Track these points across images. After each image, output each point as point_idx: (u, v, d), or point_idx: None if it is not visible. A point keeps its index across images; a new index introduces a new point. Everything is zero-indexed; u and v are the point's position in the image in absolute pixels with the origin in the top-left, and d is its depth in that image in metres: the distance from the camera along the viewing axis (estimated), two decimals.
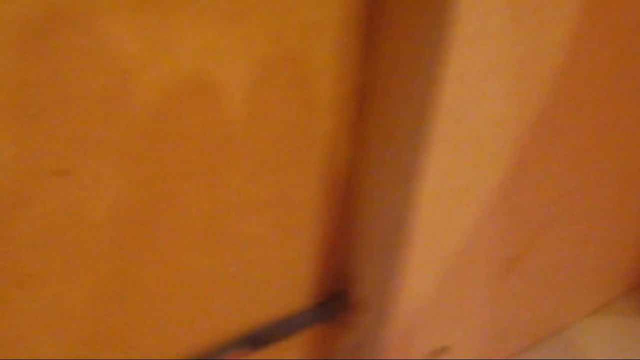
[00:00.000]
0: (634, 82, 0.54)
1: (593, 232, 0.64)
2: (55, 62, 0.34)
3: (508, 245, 0.55)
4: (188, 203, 0.44)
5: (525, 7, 0.41)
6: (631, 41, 0.50)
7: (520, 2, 0.40)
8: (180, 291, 0.48)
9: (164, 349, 0.49)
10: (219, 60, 0.40)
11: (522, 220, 0.55)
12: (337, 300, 0.56)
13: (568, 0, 0.43)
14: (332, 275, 0.55)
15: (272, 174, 0.46)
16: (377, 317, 0.53)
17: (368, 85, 0.47)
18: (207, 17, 0.38)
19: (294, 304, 0.55)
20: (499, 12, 0.40)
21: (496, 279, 0.57)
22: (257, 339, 0.53)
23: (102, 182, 0.40)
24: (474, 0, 0.38)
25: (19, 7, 0.32)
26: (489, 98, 0.44)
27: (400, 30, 0.42)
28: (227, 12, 0.38)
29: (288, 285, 0.53)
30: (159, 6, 0.36)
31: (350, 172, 0.50)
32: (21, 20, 0.32)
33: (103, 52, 0.35)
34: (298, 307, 0.55)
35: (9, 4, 0.32)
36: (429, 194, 0.46)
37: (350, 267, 0.54)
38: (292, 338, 0.57)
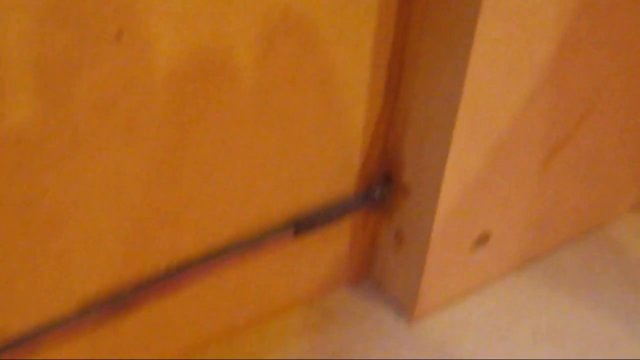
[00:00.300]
0: None
1: (637, 123, 0.63)
2: None
3: (552, 129, 0.55)
4: (241, 74, 0.44)
5: None
6: None
7: None
8: (230, 169, 0.48)
9: (212, 229, 0.50)
10: None
11: (567, 104, 0.54)
12: (383, 184, 0.56)
13: None
14: (379, 159, 0.56)
15: (323, 50, 0.46)
16: (422, 200, 0.54)
17: None
18: None
19: (340, 189, 0.55)
20: None
21: (539, 165, 0.57)
22: (302, 223, 0.54)
23: (157, 47, 0.40)
24: None
25: None
26: None
27: None
28: None
29: (335, 168, 0.54)
30: None
31: (401, 49, 0.50)
32: None
33: None
34: (344, 191, 0.56)
35: None
36: (479, 67, 0.46)
37: (398, 150, 0.54)
38: (337, 223, 0.57)
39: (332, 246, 0.59)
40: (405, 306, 0.61)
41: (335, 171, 0.54)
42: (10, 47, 0.35)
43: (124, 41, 0.38)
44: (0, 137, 0.37)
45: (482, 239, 0.59)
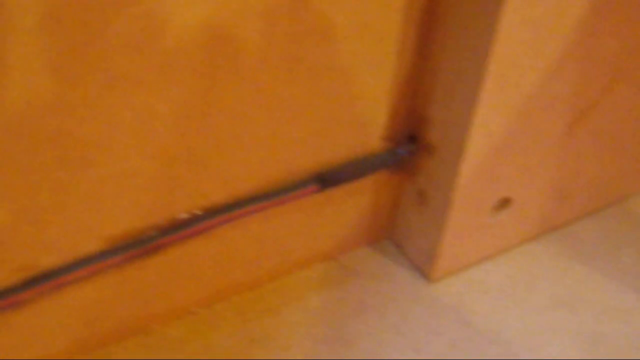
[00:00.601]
0: None
1: None
2: None
3: (579, 94, 0.55)
4: (273, 22, 0.44)
5: None
6: None
7: None
8: (257, 119, 0.49)
9: (238, 177, 0.51)
10: None
11: (595, 69, 0.55)
12: (408, 143, 0.57)
13: None
14: (406, 117, 0.56)
15: (354, 3, 0.47)
16: (446, 159, 0.54)
17: None
18: None
19: (366, 146, 0.56)
20: None
21: (563, 131, 0.58)
22: (326, 178, 0.55)
23: None
24: None
25: None
26: None
27: None
28: None
29: (361, 125, 0.54)
30: None
31: (432, 5, 0.50)
32: None
33: None
34: (369, 148, 0.56)
35: None
36: (509, 26, 0.46)
37: (425, 109, 0.55)
38: (361, 181, 0.58)
39: (355, 204, 0.60)
40: (424, 267, 0.61)
41: (362, 128, 0.54)
42: None
43: None
44: None
45: (503, 204, 0.60)
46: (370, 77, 0.51)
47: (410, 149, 0.56)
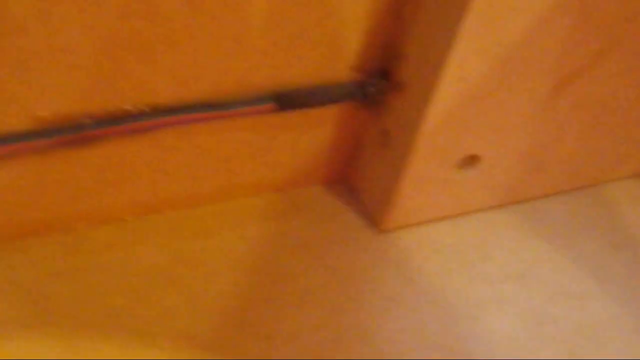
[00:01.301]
0: None
1: None
2: None
3: (568, 54, 0.51)
4: None
5: None
6: None
7: None
8: (219, 12, 0.45)
9: (188, 78, 0.47)
10: None
11: (587, 31, 0.50)
12: (379, 78, 0.53)
13: None
14: (380, 49, 0.52)
15: None
16: (415, 100, 0.50)
17: None
18: None
19: (332, 72, 0.52)
20: None
21: (547, 94, 0.53)
22: (285, 97, 0.51)
23: None
24: None
25: None
26: None
27: None
28: None
29: (331, 46, 0.50)
30: None
31: None
32: None
33: None
34: (336, 75, 0.52)
35: None
36: None
37: (400, 44, 0.51)
38: (323, 109, 0.54)
39: (314, 136, 0.56)
40: (377, 215, 0.58)
41: (331, 51, 0.50)
42: None
43: None
44: None
45: (471, 161, 0.56)
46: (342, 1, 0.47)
47: (380, 85, 0.52)
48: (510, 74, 0.50)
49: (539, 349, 0.53)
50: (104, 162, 0.49)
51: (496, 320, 0.54)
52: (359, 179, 0.60)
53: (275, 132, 0.54)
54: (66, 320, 0.48)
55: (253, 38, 0.47)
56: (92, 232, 0.53)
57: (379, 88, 0.53)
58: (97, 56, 0.43)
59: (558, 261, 0.60)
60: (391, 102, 0.53)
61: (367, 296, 0.53)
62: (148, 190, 0.53)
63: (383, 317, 0.52)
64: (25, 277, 0.50)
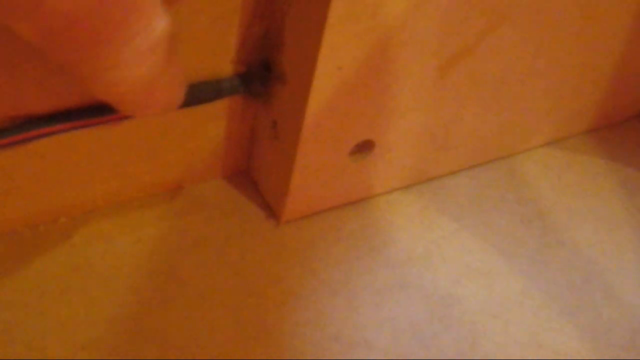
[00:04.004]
0: None
1: (558, 52, 0.58)
2: None
3: (452, 33, 0.50)
4: None
5: None
6: None
7: None
8: None
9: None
10: None
11: (470, 8, 0.49)
12: (262, 70, 0.52)
13: None
14: (259, 41, 0.51)
15: None
16: (296, 92, 0.49)
17: None
18: None
19: (213, 68, 0.51)
20: None
21: (436, 74, 0.52)
22: None
23: None
24: None
25: None
26: None
27: None
28: None
29: (207, 42, 0.49)
30: None
31: None
32: None
33: None
34: (216, 71, 0.51)
35: None
36: None
37: (278, 34, 0.49)
38: (210, 105, 0.53)
39: (207, 131, 0.55)
40: (275, 207, 0.57)
41: (208, 47, 0.49)
42: None
43: None
44: None
45: (365, 147, 0.55)
46: None
47: (263, 77, 0.51)
48: (391, 59, 0.49)
49: (442, 331, 0.52)
50: None
51: (398, 305, 0.53)
52: (257, 171, 0.59)
53: (164, 131, 0.53)
54: None
55: None
56: None
57: (262, 80, 0.52)
58: None
59: (465, 239, 0.59)
60: (277, 94, 0.52)
61: (268, 291, 0.53)
62: (36, 200, 0.52)
63: (283, 311, 0.52)
64: None
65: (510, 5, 0.51)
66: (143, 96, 0.33)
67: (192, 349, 0.49)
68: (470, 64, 0.54)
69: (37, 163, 0.50)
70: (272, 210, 0.58)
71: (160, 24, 0.30)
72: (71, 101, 0.47)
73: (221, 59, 0.50)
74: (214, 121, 0.55)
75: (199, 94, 0.51)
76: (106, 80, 0.31)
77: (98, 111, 0.48)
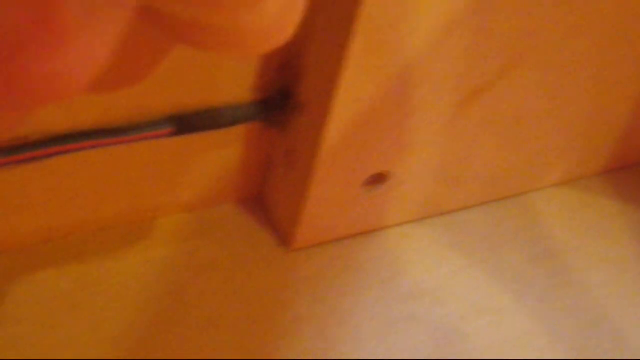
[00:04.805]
0: None
1: (573, 91, 0.58)
2: None
3: (471, 72, 0.50)
4: None
5: None
6: None
7: None
8: None
9: (81, 100, 0.46)
10: None
11: (489, 47, 0.50)
12: (281, 98, 0.52)
13: None
14: (279, 69, 0.51)
15: None
16: (313, 122, 0.50)
17: None
18: None
19: (232, 95, 0.51)
20: None
21: (452, 111, 0.53)
22: (183, 121, 0.50)
23: None
24: None
25: None
26: None
27: None
28: None
29: (228, 71, 0.49)
30: None
31: None
32: None
33: None
34: (236, 98, 0.51)
35: None
36: None
37: (298, 64, 0.50)
38: (227, 132, 0.53)
39: (222, 156, 0.55)
40: (287, 234, 0.57)
41: (228, 74, 0.49)
42: None
43: None
44: None
45: (379, 179, 0.55)
46: None
47: (282, 105, 0.52)
48: (409, 94, 0.49)
49: None
50: (3, 190, 0.49)
51: (405, 338, 0.53)
52: (269, 198, 0.59)
53: (179, 153, 0.53)
54: None
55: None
56: None
57: (280, 108, 0.52)
58: None
59: (475, 275, 0.59)
60: (294, 122, 0.52)
61: (276, 317, 0.53)
62: (47, 216, 0.52)
63: (290, 338, 0.52)
64: None
65: (529, 46, 0.51)
66: (275, 27, 0.30)
67: None
68: (487, 101, 0.54)
69: (51, 180, 0.50)
70: (283, 237, 0.58)
71: None
72: (86, 121, 0.47)
73: (241, 87, 0.51)
74: (230, 146, 0.55)
75: (217, 119, 0.51)
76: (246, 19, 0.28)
77: (112, 132, 0.49)
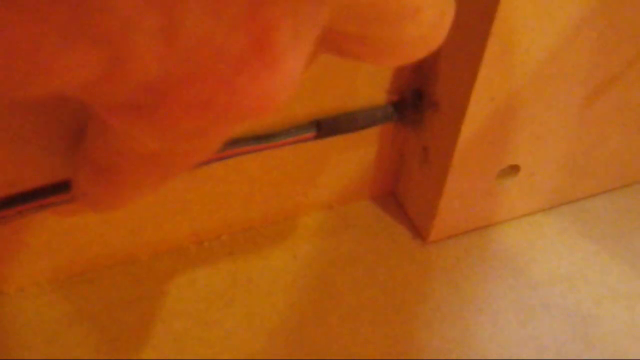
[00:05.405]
0: None
1: None
2: None
3: (599, 65, 0.52)
4: None
5: None
6: None
7: None
8: None
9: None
10: None
11: (619, 40, 0.51)
12: (414, 98, 0.55)
13: None
14: (412, 71, 0.54)
15: None
16: (449, 119, 0.52)
17: None
18: None
19: (369, 98, 0.54)
20: None
21: (582, 103, 0.55)
22: (325, 125, 0.53)
23: None
24: None
25: None
26: None
27: None
28: None
29: (365, 76, 0.52)
30: None
31: None
32: None
33: None
34: (373, 101, 0.54)
35: None
36: None
37: (432, 65, 0.53)
38: (364, 133, 0.57)
39: (359, 156, 0.59)
40: (422, 227, 0.60)
41: (366, 79, 0.52)
42: None
43: None
44: None
45: (511, 171, 0.57)
46: None
47: (416, 105, 0.54)
48: (540, 90, 0.51)
49: (585, 351, 0.54)
50: (157, 199, 0.53)
51: (542, 324, 0.55)
52: (405, 194, 0.62)
53: (319, 155, 0.56)
54: (133, 346, 0.52)
55: None
56: (154, 262, 0.57)
57: (415, 108, 0.55)
58: None
59: (607, 261, 0.61)
60: (429, 121, 0.55)
61: (415, 308, 0.56)
62: (202, 218, 0.56)
63: (431, 327, 0.55)
64: (95, 306, 0.54)
65: None
66: (431, 34, 0.31)
67: None
68: (616, 92, 0.55)
69: (206, 185, 0.54)
70: (418, 231, 0.61)
71: None
72: (245, 127, 0.51)
73: (377, 90, 0.54)
74: (366, 146, 0.58)
75: (355, 121, 0.54)
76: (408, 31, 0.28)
77: (265, 138, 0.52)
